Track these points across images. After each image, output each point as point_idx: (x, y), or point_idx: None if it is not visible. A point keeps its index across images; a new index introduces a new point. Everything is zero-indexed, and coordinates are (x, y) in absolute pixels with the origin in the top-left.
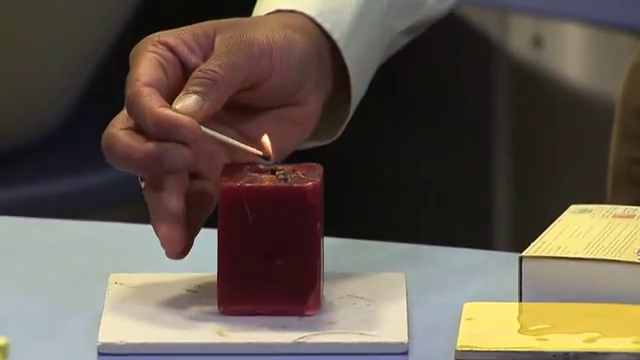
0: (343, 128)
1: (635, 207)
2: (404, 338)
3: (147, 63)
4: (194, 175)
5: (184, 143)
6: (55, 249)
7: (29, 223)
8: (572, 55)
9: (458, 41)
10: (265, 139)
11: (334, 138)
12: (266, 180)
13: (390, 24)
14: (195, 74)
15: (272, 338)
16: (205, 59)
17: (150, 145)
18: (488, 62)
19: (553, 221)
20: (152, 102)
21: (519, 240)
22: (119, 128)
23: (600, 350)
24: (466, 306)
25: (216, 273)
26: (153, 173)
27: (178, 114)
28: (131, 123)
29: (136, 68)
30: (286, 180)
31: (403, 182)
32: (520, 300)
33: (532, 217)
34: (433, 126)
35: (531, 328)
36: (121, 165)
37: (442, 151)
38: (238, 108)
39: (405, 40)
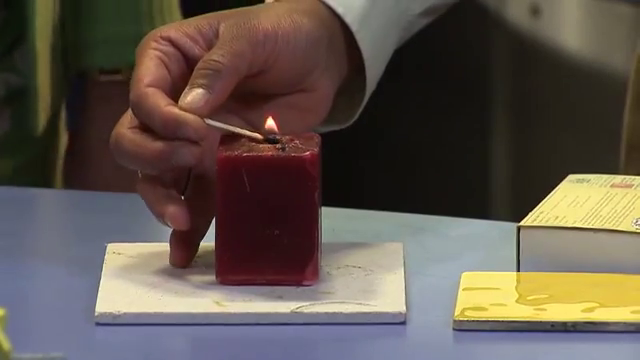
0: (359, 112)
1: (633, 176)
2: (402, 308)
3: (149, 62)
4: (198, 174)
5: (192, 140)
6: (51, 219)
7: (26, 192)
8: (569, 24)
9: (456, 11)
10: (271, 124)
11: (350, 122)
12: (264, 150)
13: (406, 7)
14: (199, 65)
15: (270, 308)
16: (209, 49)
17: (159, 144)
18: (486, 32)
19: (551, 190)
20: (157, 102)
21: (517, 210)
22: (127, 127)
23: (598, 320)
24: (464, 276)
25: (214, 243)
26: (162, 170)
27: (183, 112)
28: (138, 122)
29: (138, 68)
30: (284, 149)
31: (401, 152)
32: (518, 270)
33: (530, 186)
34: (431, 96)
35: (529, 298)
36: (131, 163)
37: (440, 121)
38: (246, 96)
39: (423, 23)
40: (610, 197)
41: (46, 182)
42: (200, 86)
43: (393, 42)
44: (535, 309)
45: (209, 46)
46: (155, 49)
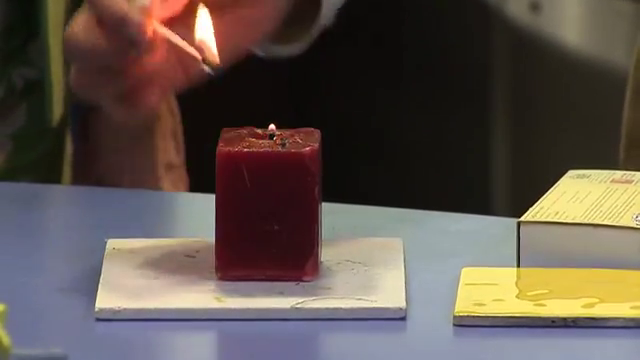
0: (314, 35)
1: (633, 172)
2: (402, 303)
3: None
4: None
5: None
6: (52, 215)
7: (26, 188)
8: (570, 20)
9: (455, 7)
10: (206, 42)
11: (305, 45)
12: (264, 145)
13: None
14: None
15: (270, 303)
16: None
17: (107, 39)
18: (486, 28)
19: (551, 186)
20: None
21: (517, 205)
22: (79, 26)
23: (598, 316)
24: (464, 271)
25: (214, 238)
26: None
27: (132, 11)
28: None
29: None
30: (284, 145)
31: (401, 147)
32: (518, 265)
33: (530, 182)
34: (431, 93)
35: (529, 293)
36: (81, 58)
37: (440, 117)
38: (194, 7)
39: None
40: (610, 192)
41: (55, 177)
42: None
43: None
44: (535, 305)
45: None
46: None
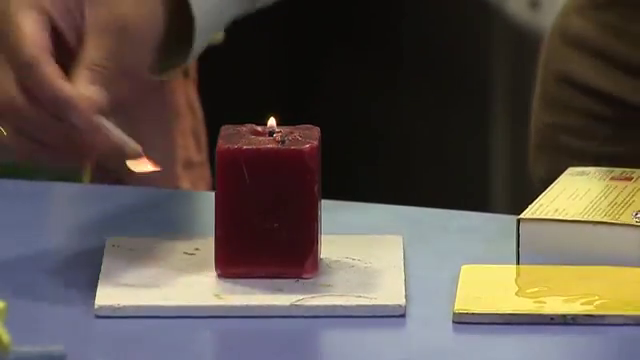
0: (190, 58)
1: (632, 169)
2: (401, 300)
3: (35, 25)
4: None
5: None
6: (52, 212)
7: (26, 186)
8: None
9: (455, 5)
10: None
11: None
12: (264, 142)
13: None
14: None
15: (269, 301)
16: (73, 26)
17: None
18: (486, 24)
19: (551, 183)
20: (52, 73)
21: (517, 203)
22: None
23: (598, 313)
24: (464, 269)
25: (214, 236)
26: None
27: (77, 93)
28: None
29: (24, 28)
30: (284, 142)
31: (401, 145)
32: (518, 263)
33: (530, 179)
34: (431, 90)
35: (529, 291)
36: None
37: (440, 115)
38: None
39: None
40: (609, 190)
41: (74, 176)
42: (92, 82)
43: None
44: (535, 302)
45: (73, 22)
46: (37, 12)
